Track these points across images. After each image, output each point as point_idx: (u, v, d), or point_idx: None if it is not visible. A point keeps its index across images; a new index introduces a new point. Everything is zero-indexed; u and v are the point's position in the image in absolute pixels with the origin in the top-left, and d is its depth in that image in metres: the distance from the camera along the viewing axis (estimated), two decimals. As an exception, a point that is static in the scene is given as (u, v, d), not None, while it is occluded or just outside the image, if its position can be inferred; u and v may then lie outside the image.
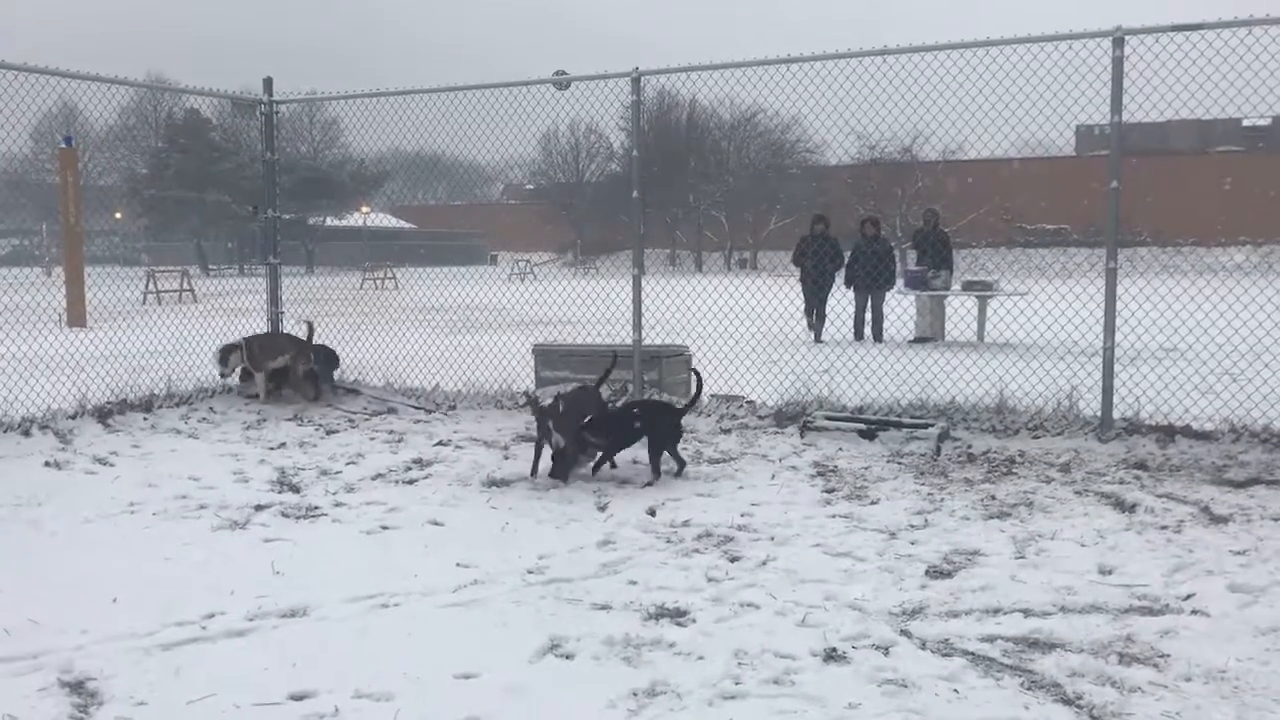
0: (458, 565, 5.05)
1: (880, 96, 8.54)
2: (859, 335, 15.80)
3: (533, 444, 7.03)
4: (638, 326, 9.08)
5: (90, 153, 49.50)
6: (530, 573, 4.95)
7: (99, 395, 8.94)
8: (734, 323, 12.53)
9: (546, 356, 9.94)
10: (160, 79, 40.64)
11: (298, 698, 3.62)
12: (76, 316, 18.70)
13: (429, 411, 9.20)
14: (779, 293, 14.19)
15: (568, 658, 3.98)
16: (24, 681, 3.75)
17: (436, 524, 5.84)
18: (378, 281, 37.31)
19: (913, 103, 8.73)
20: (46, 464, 7.25)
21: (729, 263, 60.28)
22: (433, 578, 4.86)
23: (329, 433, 8.44)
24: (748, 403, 8.91)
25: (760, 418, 8.53)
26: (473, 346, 11.74)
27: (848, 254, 16.29)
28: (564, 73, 9.33)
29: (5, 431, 7.95)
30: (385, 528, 5.77)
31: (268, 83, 10.49)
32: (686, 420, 7.38)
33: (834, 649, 4.00)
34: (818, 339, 15.73)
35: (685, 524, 5.76)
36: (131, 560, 5.18)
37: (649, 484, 6.66)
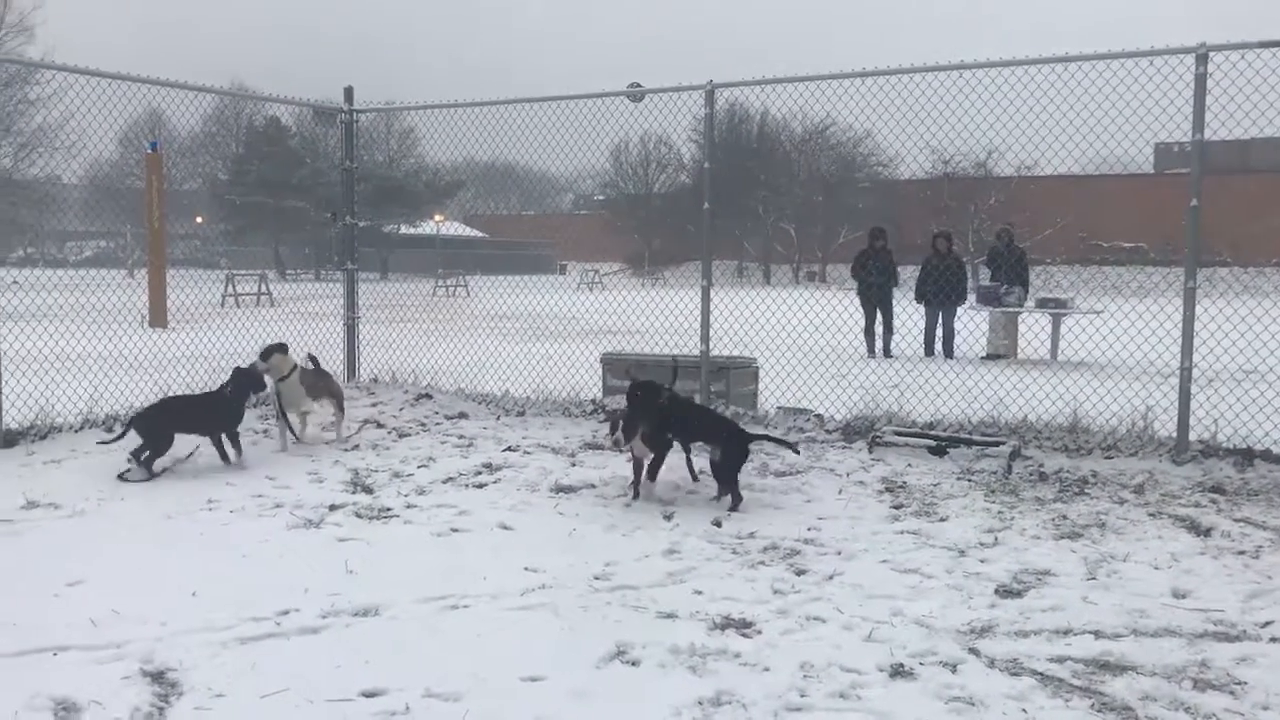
0: (526, 569, 5.12)
1: (955, 111, 8.49)
2: (929, 351, 15.66)
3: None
4: (705, 338, 9.09)
5: (174, 158, 50.77)
6: (597, 579, 5.00)
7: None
8: (802, 335, 12.48)
9: (615, 366, 10.01)
10: (242, 86, 41.56)
11: (369, 695, 3.70)
12: (158, 317, 19.19)
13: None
14: (847, 306, 14.13)
15: (633, 664, 4.01)
16: (108, 669, 3.88)
17: (505, 528, 5.91)
18: (450, 289, 37.71)
19: (989, 118, 8.66)
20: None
21: (797, 275, 59.99)
22: (501, 581, 4.93)
23: (401, 436, 8.57)
24: (815, 416, 8.88)
25: (828, 432, 8.50)
26: (542, 354, 11.85)
27: (917, 269, 16.18)
28: (639, 85, 9.40)
29: (90, 427, 8.20)
30: (455, 530, 5.86)
31: (348, 92, 10.68)
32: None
33: (901, 665, 3.99)
34: (887, 353, 15.63)
35: (751, 535, 5.77)
36: (209, 556, 5.33)
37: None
